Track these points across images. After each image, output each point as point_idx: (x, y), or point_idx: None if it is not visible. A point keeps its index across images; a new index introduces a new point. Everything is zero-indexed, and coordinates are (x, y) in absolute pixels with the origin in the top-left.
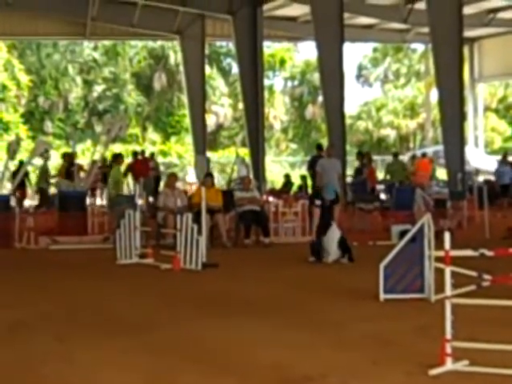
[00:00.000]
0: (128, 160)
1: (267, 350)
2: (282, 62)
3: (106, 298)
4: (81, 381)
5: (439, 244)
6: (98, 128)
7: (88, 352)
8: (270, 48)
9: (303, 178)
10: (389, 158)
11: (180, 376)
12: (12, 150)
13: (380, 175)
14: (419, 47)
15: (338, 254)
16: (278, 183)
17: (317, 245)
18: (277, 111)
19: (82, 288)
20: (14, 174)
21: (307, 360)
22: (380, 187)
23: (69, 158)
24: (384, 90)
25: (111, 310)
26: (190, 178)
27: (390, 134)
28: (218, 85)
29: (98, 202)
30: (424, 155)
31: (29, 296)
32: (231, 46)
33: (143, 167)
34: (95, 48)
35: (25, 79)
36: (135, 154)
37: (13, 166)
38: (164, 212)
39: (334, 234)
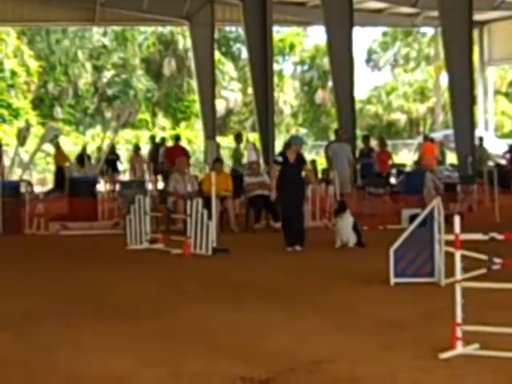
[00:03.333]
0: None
1: (276, 335)
2: (292, 47)
3: (116, 284)
4: (91, 367)
5: (449, 228)
6: (108, 114)
7: (97, 338)
8: (279, 33)
9: (313, 162)
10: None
11: (187, 362)
12: (22, 136)
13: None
14: (429, 31)
15: (354, 237)
16: None
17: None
18: (286, 96)
19: (92, 274)
20: (81, 159)
21: (316, 345)
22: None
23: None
24: (394, 74)
25: (121, 296)
26: None
27: (400, 118)
28: (227, 70)
29: None
30: (426, 138)
31: (38, 283)
32: (241, 30)
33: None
34: (104, 34)
35: (34, 65)
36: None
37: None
38: (174, 197)
39: (347, 220)
